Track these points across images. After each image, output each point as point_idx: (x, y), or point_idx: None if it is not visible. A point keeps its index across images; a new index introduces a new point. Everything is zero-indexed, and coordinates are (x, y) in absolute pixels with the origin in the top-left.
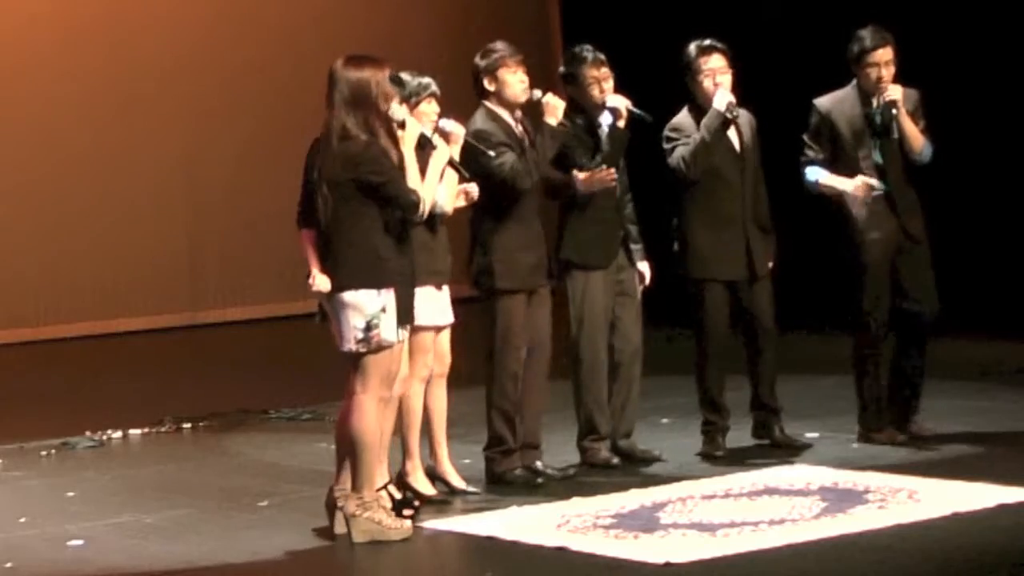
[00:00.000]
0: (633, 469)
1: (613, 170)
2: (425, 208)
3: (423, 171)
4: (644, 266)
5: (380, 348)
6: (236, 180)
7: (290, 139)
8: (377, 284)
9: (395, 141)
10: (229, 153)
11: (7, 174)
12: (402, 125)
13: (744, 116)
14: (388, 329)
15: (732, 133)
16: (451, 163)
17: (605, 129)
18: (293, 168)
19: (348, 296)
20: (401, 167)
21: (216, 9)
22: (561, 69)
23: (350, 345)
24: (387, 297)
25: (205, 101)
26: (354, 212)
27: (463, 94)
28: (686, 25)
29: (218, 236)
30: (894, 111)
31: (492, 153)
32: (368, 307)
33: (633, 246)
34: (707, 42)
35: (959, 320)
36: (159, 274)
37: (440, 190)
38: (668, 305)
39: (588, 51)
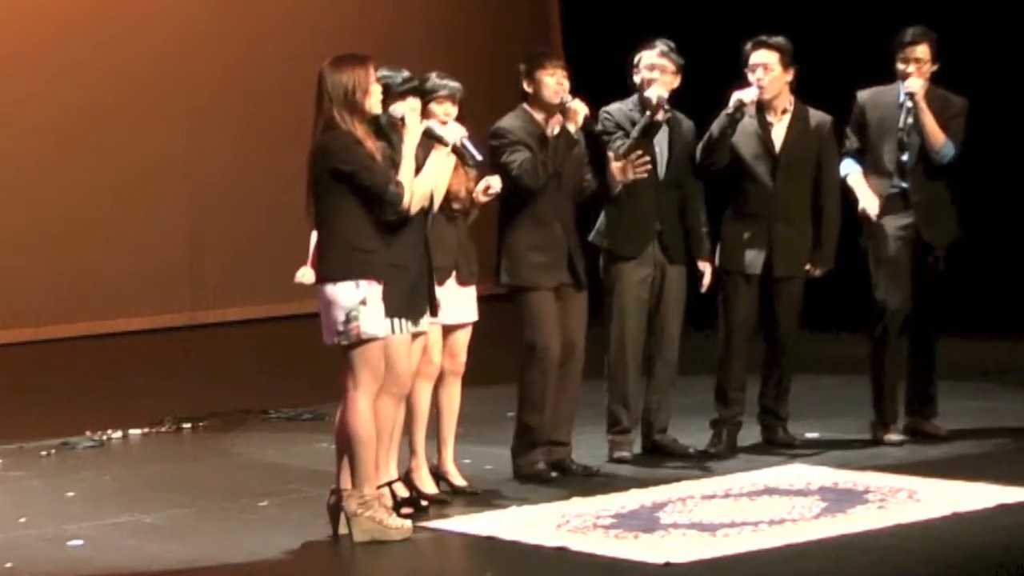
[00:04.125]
0: (633, 469)
1: (647, 157)
2: (410, 201)
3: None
4: (704, 265)
5: (362, 341)
6: (236, 180)
7: (290, 139)
8: (355, 276)
9: (383, 136)
10: (229, 153)
11: (6, 174)
12: (402, 122)
13: (816, 118)
14: (370, 322)
15: (776, 132)
16: (456, 152)
17: (643, 119)
18: (293, 168)
19: (328, 288)
20: (389, 161)
21: (213, 8)
22: (635, 57)
23: (331, 338)
24: (368, 289)
25: (206, 100)
26: (335, 205)
27: (463, 94)
28: (686, 25)
29: (218, 236)
30: (909, 104)
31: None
32: (346, 299)
33: (702, 245)
34: (761, 37)
35: (959, 320)
36: (159, 274)
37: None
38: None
39: (661, 42)
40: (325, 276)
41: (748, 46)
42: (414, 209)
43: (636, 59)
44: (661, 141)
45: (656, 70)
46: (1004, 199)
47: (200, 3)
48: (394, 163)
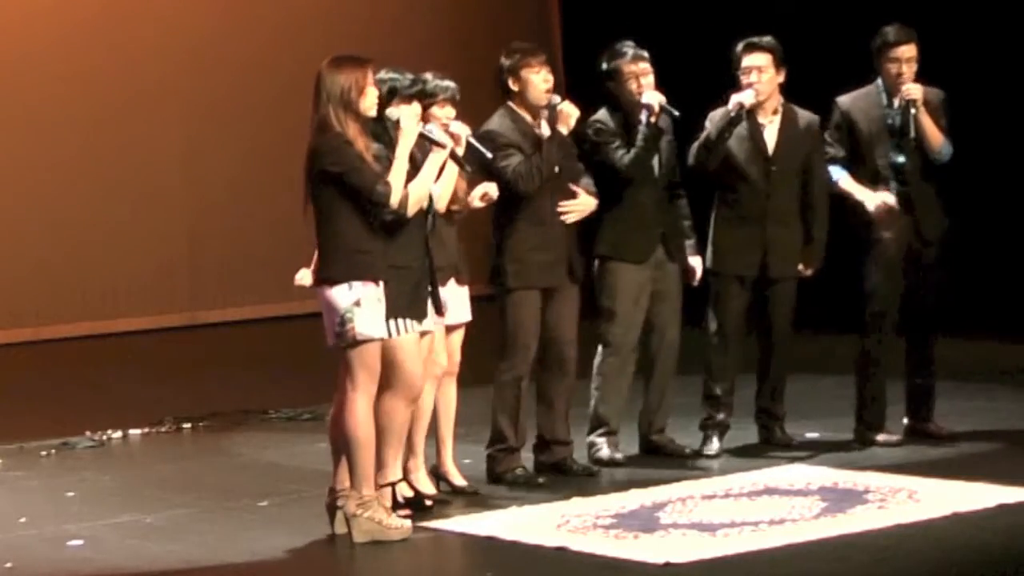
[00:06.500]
0: (633, 468)
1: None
2: (397, 201)
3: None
4: (695, 261)
5: (358, 342)
6: (236, 180)
7: (291, 139)
8: (350, 277)
9: (377, 138)
10: (229, 153)
11: (7, 173)
12: (397, 125)
13: (805, 118)
14: (365, 323)
15: (768, 134)
16: (453, 156)
17: (642, 126)
18: (293, 168)
19: (325, 291)
20: (385, 162)
21: (216, 9)
22: (603, 65)
23: (331, 340)
24: (362, 291)
25: (205, 100)
26: (328, 206)
27: (463, 94)
28: (686, 25)
29: (218, 236)
30: (913, 111)
31: (489, 155)
32: (340, 301)
33: (686, 242)
34: (752, 40)
35: (960, 320)
36: (159, 274)
37: (434, 188)
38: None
39: (629, 47)
40: (323, 278)
41: (739, 49)
42: (411, 211)
43: (608, 68)
44: None
45: (644, 76)
46: (1007, 199)
47: (200, 5)
48: (390, 164)
